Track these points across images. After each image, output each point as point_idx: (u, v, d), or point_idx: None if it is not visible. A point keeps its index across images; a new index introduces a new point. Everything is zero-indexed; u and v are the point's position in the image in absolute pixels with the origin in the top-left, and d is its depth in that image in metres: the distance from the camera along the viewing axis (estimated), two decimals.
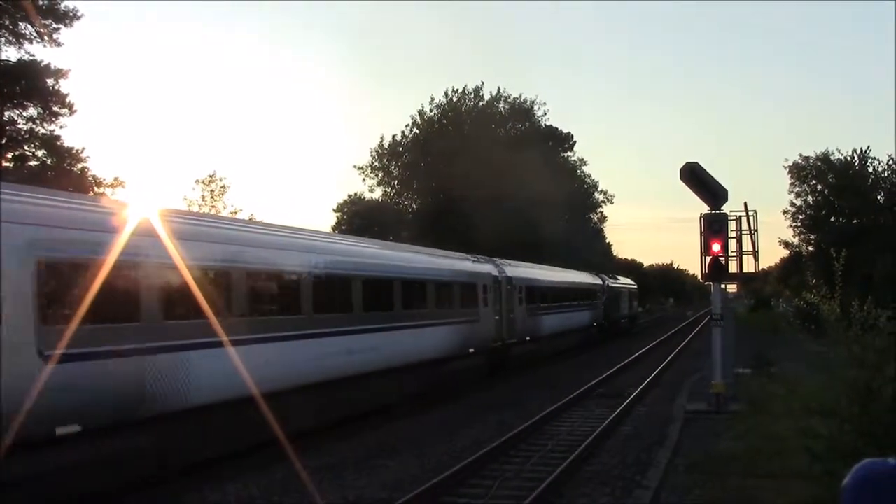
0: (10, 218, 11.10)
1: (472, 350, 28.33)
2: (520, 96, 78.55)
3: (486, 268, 31.36)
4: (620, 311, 62.84)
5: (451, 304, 27.28)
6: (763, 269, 71.27)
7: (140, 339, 13.12)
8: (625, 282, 69.37)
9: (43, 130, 38.04)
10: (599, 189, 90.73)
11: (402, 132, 74.43)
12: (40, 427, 11.12)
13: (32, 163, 37.52)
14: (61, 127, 38.50)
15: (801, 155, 55.33)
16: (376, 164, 73.72)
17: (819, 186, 54.67)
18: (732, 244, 22.84)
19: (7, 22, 35.84)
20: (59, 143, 38.20)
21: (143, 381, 13.13)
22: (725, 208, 22.72)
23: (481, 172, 63.90)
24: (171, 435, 13.67)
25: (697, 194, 22.69)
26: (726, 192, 22.74)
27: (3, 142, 36.19)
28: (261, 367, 15.74)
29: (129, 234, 13.04)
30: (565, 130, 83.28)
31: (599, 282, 56.33)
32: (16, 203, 11.49)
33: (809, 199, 55.45)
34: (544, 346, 38.73)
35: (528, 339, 34.99)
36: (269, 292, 17.46)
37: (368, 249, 24.27)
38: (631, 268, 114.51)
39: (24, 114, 37.41)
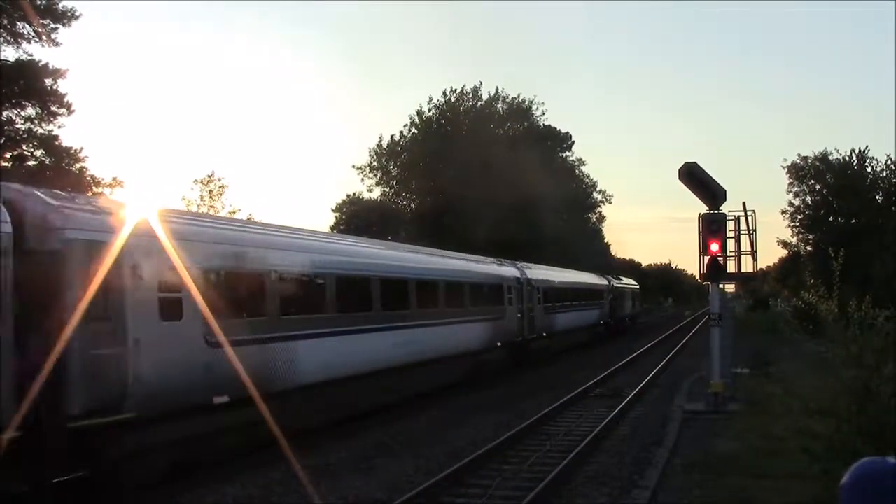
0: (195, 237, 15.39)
1: (499, 344, 31.97)
2: (518, 96, 78.64)
3: (511, 270, 35.34)
4: (624, 309, 65.90)
5: (482, 303, 30.75)
6: (761, 269, 71.37)
7: (265, 331, 16.70)
8: (628, 282, 72.43)
9: (41, 130, 38.04)
10: (598, 189, 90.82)
11: (401, 132, 74.49)
12: (199, 398, 14.50)
13: (31, 163, 37.51)
14: (59, 127, 38.52)
15: (799, 155, 55.46)
16: (375, 164, 73.72)
17: (817, 186, 54.72)
18: (731, 244, 22.87)
19: (5, 21, 35.83)
20: (57, 143, 38.18)
21: (268, 363, 16.64)
22: (724, 208, 22.77)
23: (480, 172, 63.92)
24: (286, 406, 16.25)
25: (696, 194, 22.70)
26: (725, 192, 22.75)
27: (2, 142, 36.19)
28: (345, 354, 19.68)
29: (259, 249, 17.39)
30: (564, 130, 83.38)
31: (605, 282, 58.91)
32: (176, 224, 15.23)
33: (808, 199, 55.51)
34: (558, 341, 41.78)
35: (544, 334, 38.42)
36: (350, 293, 20.70)
37: (419, 256, 27.87)
38: (629, 268, 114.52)
39: (23, 113, 37.41)
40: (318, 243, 21.62)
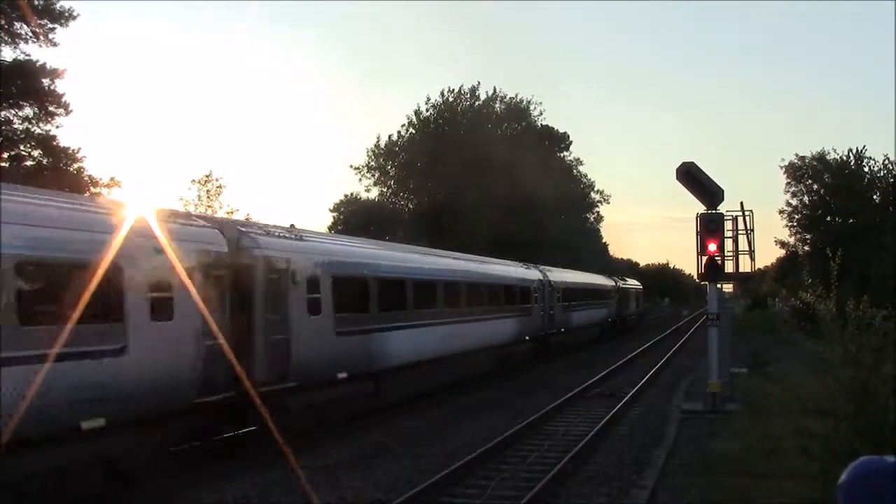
0: (319, 255, 19.64)
1: (527, 337, 36.78)
2: (516, 96, 78.62)
3: (535, 273, 39.86)
4: (629, 308, 70.86)
5: (515, 302, 35.14)
6: (759, 269, 71.48)
7: (369, 323, 21.33)
8: (632, 283, 77.62)
9: (39, 130, 37.96)
10: (596, 189, 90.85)
11: (399, 132, 74.47)
12: (330, 373, 19.02)
13: (28, 163, 37.46)
14: (57, 127, 38.42)
15: (797, 155, 55.34)
16: (373, 163, 73.71)
17: (815, 186, 54.67)
18: (729, 244, 22.90)
19: (3, 21, 35.77)
20: (54, 143, 38.12)
21: (370, 349, 21.29)
22: (722, 208, 22.79)
23: (477, 172, 63.91)
24: (383, 383, 21.89)
25: (694, 194, 22.71)
26: (722, 191, 22.77)
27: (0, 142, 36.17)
28: (417, 344, 24.28)
29: (362, 259, 22.55)
30: (561, 130, 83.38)
31: (613, 283, 63.42)
32: (310, 241, 20.23)
33: (805, 198, 55.45)
34: (573, 336, 46.37)
35: (562, 330, 43.10)
36: (421, 295, 25.05)
37: (467, 262, 32.04)
38: (627, 268, 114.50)
39: (20, 114, 37.32)
40: (400, 254, 26.76)
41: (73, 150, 38.67)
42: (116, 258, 12.55)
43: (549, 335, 40.43)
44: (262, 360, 16.32)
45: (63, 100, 38.05)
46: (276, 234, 18.78)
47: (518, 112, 78.20)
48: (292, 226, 21.26)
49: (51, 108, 37.87)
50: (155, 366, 13.46)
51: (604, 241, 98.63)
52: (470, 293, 29.55)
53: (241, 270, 16.27)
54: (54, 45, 38.03)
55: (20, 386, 10.91)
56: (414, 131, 74.13)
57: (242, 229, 17.38)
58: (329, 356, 19.04)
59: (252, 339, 16.21)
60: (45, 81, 37.48)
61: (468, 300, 29.15)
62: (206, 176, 48.62)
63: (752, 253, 23.63)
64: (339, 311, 19.45)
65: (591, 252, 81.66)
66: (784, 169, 55.54)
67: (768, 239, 68.37)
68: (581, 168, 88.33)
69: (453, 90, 75.20)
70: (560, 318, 42.63)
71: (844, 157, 52.93)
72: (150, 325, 13.41)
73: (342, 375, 19.50)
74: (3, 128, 36.31)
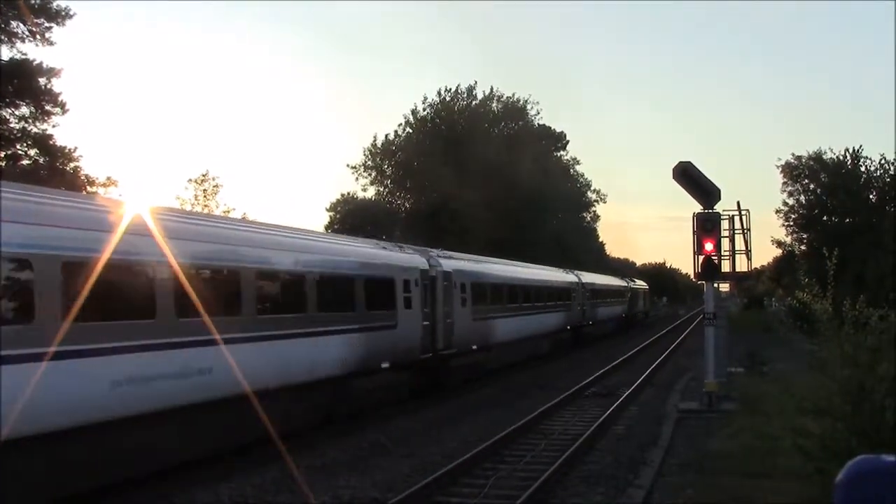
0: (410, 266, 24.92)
1: (568, 327, 45.73)
2: (513, 95, 78.74)
3: (572, 277, 48.91)
4: (639, 306, 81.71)
5: (560, 299, 43.88)
6: (756, 269, 71.29)
7: (486, 314, 30.75)
8: (641, 283, 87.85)
9: (35, 129, 37.91)
10: (592, 188, 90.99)
11: (396, 131, 74.56)
12: (469, 344, 28.57)
13: (25, 162, 37.41)
14: (54, 126, 38.38)
15: (793, 154, 55.27)
16: (369, 163, 73.68)
17: (811, 186, 54.60)
18: (725, 243, 22.93)
19: None
20: (51, 142, 38.08)
21: (488, 331, 30.87)
22: (718, 207, 22.82)
23: (474, 172, 63.92)
24: (494, 353, 31.71)
25: (690, 193, 22.73)
26: (719, 191, 22.80)
27: None
28: (510, 328, 33.78)
29: (485, 267, 33.56)
30: (558, 130, 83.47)
31: (626, 284, 73.53)
32: (457, 259, 29.81)
33: (802, 198, 55.34)
34: (599, 327, 55.89)
35: (590, 322, 52.14)
36: (510, 294, 34.51)
37: (534, 270, 42.05)
38: (623, 267, 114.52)
39: (17, 113, 37.28)
40: (497, 265, 35.88)
41: (69, 150, 38.65)
42: (392, 275, 23.01)
43: (583, 326, 49.85)
44: (440, 336, 25.67)
45: (60, 99, 38.07)
46: (445, 255, 28.25)
47: (515, 111, 78.29)
48: (442, 249, 29.90)
49: (47, 108, 37.85)
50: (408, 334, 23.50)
51: (600, 240, 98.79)
52: (536, 293, 38.84)
53: (430, 279, 25.43)
54: (51, 44, 38.05)
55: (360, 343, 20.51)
56: (411, 131, 74.16)
57: (431, 253, 27.09)
58: (468, 334, 28.26)
59: (436, 323, 25.43)
60: (42, 80, 37.47)
61: (536, 298, 38.60)
62: (203, 175, 48.53)
63: (748, 252, 23.67)
64: (473, 305, 28.94)
65: (588, 251, 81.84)
66: (780, 168, 55.49)
67: (765, 238, 68.51)
68: (578, 167, 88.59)
69: (450, 90, 75.39)
70: (590, 313, 51.95)
71: (841, 157, 52.91)
72: (404, 312, 23.20)
73: (474, 347, 29.08)
74: (0, 127, 36.27)
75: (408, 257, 25.29)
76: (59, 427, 11.73)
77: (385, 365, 22.05)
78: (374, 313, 21.71)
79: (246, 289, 16.27)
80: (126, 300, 13.54)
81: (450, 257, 29.21)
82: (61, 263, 11.94)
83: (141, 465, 13.55)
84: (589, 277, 54.56)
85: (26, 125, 37.61)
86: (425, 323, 24.91)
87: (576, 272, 51.25)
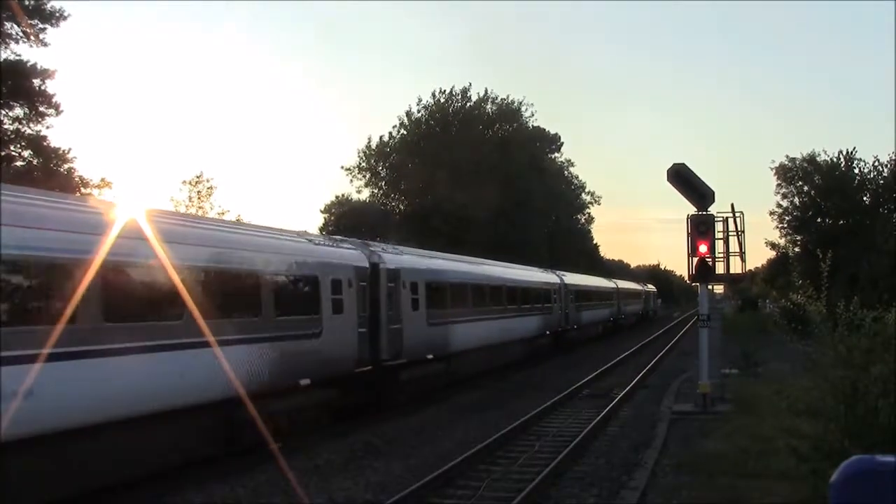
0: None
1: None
2: (507, 97, 78.70)
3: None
4: (650, 306, 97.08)
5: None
6: (750, 270, 71.39)
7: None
8: (651, 287, 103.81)
9: (29, 131, 37.88)
10: (586, 190, 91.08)
11: (390, 133, 74.48)
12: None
13: (19, 163, 37.34)
14: (48, 127, 38.36)
15: (787, 156, 55.35)
16: (364, 165, 73.66)
17: (805, 188, 54.71)
18: (719, 245, 22.94)
19: None
20: (45, 144, 38.03)
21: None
22: (712, 209, 22.81)
23: (469, 173, 63.92)
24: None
25: (684, 195, 22.75)
26: (713, 193, 22.81)
27: None
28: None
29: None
30: (552, 132, 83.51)
31: (642, 288, 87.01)
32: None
33: (796, 200, 55.46)
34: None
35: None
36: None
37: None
38: (618, 269, 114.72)
39: (11, 114, 37.23)
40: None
41: (63, 151, 38.60)
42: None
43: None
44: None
45: (53, 100, 38.05)
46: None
47: (509, 113, 78.27)
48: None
49: (41, 109, 37.82)
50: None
51: (595, 241, 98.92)
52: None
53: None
54: (45, 45, 38.01)
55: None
56: (405, 132, 74.14)
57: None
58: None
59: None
60: (36, 82, 37.43)
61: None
62: (198, 177, 48.46)
63: (742, 254, 23.68)
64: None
65: (582, 253, 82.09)
66: (774, 171, 55.60)
67: (759, 240, 68.47)
68: (572, 169, 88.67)
69: (444, 91, 75.33)
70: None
71: (834, 159, 53.08)
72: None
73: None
74: None
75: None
76: None
77: (304, 382, 18.09)
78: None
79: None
80: None
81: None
82: None
83: None
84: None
85: (20, 126, 37.57)
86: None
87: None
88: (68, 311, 11.78)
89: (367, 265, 22.11)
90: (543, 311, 41.04)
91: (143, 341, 13.37)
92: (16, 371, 10.90)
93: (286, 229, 21.91)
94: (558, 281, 45.69)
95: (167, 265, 13.86)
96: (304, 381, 18.08)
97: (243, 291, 16.63)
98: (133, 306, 13.60)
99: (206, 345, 14.65)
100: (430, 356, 25.58)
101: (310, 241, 21.32)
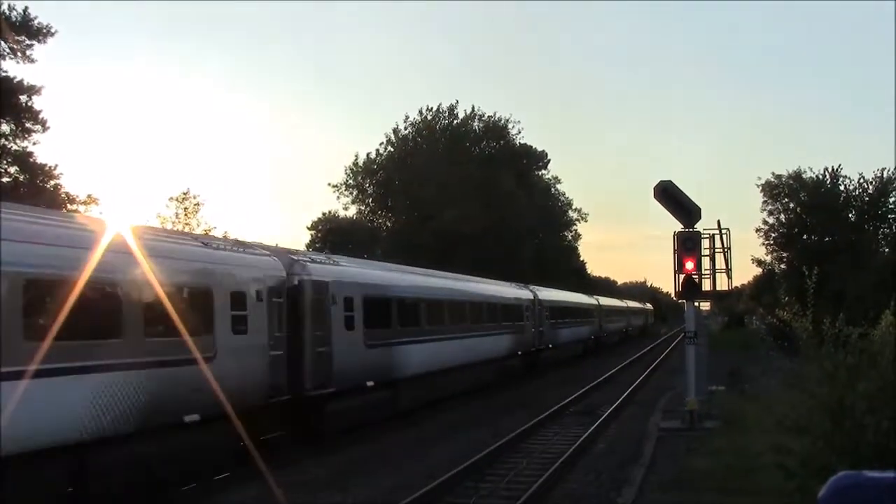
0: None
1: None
2: (494, 115, 78.78)
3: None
4: (649, 323, 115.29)
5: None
6: (736, 287, 71.59)
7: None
8: (650, 306, 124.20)
9: (15, 147, 37.81)
10: (573, 207, 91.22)
11: (377, 150, 74.46)
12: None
13: (5, 179, 37.25)
14: (34, 143, 38.28)
15: (773, 173, 55.55)
16: (351, 181, 73.65)
17: (791, 205, 54.90)
18: (706, 262, 22.97)
19: None
20: (31, 160, 37.95)
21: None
22: (699, 226, 22.89)
23: (455, 190, 63.99)
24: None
25: (671, 212, 22.83)
26: (699, 210, 22.91)
27: None
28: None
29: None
30: (539, 149, 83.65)
31: (643, 306, 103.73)
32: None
33: (782, 217, 55.65)
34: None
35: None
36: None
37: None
38: (605, 286, 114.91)
39: None
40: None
41: (50, 167, 38.54)
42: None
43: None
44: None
45: (40, 116, 37.97)
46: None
47: (496, 130, 78.33)
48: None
49: (28, 125, 37.74)
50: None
51: (581, 258, 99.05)
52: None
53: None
54: (32, 61, 37.95)
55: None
56: (392, 149, 74.18)
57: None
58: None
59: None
60: (23, 98, 37.34)
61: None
62: (184, 193, 48.43)
63: (728, 271, 23.74)
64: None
65: (569, 271, 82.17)
66: (761, 188, 55.78)
67: (745, 257, 68.67)
68: (559, 186, 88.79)
69: (431, 108, 75.42)
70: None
71: (820, 176, 53.31)
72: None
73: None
74: None
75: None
76: None
77: (192, 418, 14.72)
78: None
79: None
80: None
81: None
82: None
83: None
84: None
85: (6, 142, 37.50)
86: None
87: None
88: None
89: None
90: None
91: None
92: None
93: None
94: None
95: (488, 302, 19.10)
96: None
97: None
98: (469, 319, 18.08)
99: (492, 334, 21.86)
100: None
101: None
